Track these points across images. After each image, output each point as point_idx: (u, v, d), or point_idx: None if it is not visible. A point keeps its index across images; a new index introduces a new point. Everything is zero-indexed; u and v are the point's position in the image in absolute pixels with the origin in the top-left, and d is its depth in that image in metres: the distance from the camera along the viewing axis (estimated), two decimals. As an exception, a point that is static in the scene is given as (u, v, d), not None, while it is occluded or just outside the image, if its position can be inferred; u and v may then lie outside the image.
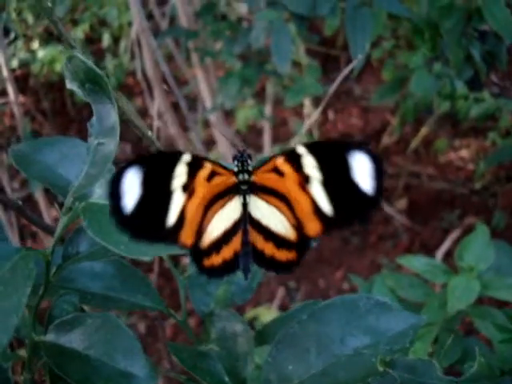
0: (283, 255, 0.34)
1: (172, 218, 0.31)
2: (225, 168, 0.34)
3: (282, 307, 1.50)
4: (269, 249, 0.34)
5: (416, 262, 0.83)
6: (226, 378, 0.36)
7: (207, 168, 0.33)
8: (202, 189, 0.32)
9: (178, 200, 0.32)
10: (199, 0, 1.36)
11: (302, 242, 0.34)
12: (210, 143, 1.66)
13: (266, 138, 1.56)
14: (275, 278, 1.60)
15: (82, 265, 0.38)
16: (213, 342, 0.39)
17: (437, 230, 1.70)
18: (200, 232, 0.33)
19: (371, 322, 0.33)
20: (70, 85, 0.30)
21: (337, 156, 0.31)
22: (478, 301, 0.81)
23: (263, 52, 1.10)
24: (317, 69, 1.15)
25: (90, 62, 0.29)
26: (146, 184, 0.30)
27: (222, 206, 0.34)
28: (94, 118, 0.31)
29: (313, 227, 0.33)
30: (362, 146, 0.31)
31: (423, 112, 1.69)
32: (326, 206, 0.32)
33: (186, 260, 1.32)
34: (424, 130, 1.81)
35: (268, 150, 1.54)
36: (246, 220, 0.34)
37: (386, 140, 1.90)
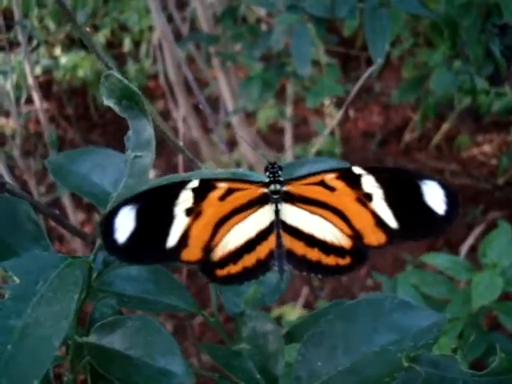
0: (332, 260, 0.37)
1: (173, 240, 0.35)
2: (249, 182, 0.37)
3: (307, 306, 1.51)
4: (313, 254, 0.37)
5: (439, 260, 0.84)
6: (258, 376, 0.38)
7: (221, 188, 0.36)
8: (212, 208, 0.36)
9: (180, 223, 0.35)
10: (219, 3, 1.38)
11: (358, 250, 0.37)
12: (232, 144, 1.68)
13: (288, 137, 1.57)
14: (299, 277, 1.61)
15: (118, 269, 0.40)
16: (244, 340, 0.41)
17: (460, 225, 1.69)
18: (208, 248, 0.36)
19: (396, 319, 0.35)
20: (107, 101, 0.32)
21: (402, 180, 0.36)
22: (503, 296, 0.81)
23: (283, 53, 1.11)
24: (336, 70, 1.17)
25: (126, 80, 0.31)
26: (141, 217, 0.34)
27: (243, 218, 0.37)
28: (130, 132, 0.33)
29: (376, 238, 0.37)
30: (433, 177, 0.36)
31: (444, 108, 1.69)
32: (391, 221, 0.36)
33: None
34: (446, 126, 1.81)
35: (290, 149, 1.56)
36: (279, 225, 0.37)
37: (408, 136, 1.90)
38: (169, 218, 0.35)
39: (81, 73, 1.98)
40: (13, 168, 1.60)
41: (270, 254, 0.37)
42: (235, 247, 0.37)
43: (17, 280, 0.28)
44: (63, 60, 2.00)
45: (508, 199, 1.73)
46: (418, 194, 0.35)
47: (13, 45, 1.55)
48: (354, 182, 0.36)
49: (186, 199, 0.35)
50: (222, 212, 0.36)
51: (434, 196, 0.35)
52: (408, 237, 0.37)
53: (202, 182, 0.35)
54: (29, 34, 1.35)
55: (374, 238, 0.36)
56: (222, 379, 0.40)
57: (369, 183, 0.36)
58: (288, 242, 0.37)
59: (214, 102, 1.64)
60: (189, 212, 0.35)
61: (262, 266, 0.38)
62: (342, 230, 0.37)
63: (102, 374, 0.37)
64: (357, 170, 0.36)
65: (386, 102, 2.00)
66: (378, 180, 0.36)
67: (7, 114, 1.67)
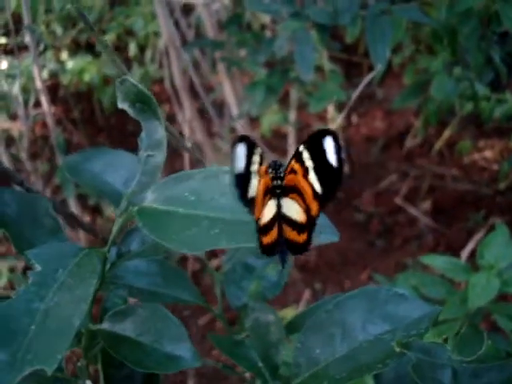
0: (300, 238, 0.40)
1: (252, 192, 0.37)
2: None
3: (309, 308, 1.53)
4: (293, 236, 0.40)
5: (438, 261, 0.86)
6: (260, 363, 0.41)
7: (265, 165, 0.39)
8: (263, 179, 0.38)
9: (254, 180, 0.37)
10: (224, 10, 1.40)
11: (310, 224, 0.39)
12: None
13: (291, 142, 1.59)
14: (302, 280, 1.63)
15: (129, 263, 0.43)
16: (247, 331, 0.43)
17: (462, 230, 1.71)
18: (261, 212, 0.38)
19: (390, 310, 0.38)
20: (122, 104, 0.35)
21: (316, 144, 0.37)
22: (503, 298, 0.83)
23: (287, 59, 1.13)
24: (339, 76, 1.19)
25: (140, 85, 0.33)
26: (246, 158, 0.36)
27: (268, 200, 0.39)
28: (142, 133, 0.36)
29: (314, 208, 0.39)
30: (327, 130, 0.36)
31: (446, 114, 1.71)
32: (318, 188, 0.38)
33: (216, 262, 1.36)
34: (448, 132, 1.83)
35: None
36: (280, 220, 0.40)
37: (410, 142, 1.92)
38: (250, 172, 0.37)
39: (87, 77, 2.01)
40: (20, 170, 1.63)
41: (275, 241, 0.39)
42: (265, 222, 0.39)
43: (38, 267, 0.31)
44: (70, 64, 2.03)
45: (509, 204, 1.75)
46: (323, 152, 0.36)
47: (20, 49, 1.57)
48: (301, 160, 0.38)
49: (255, 161, 0.37)
50: (264, 187, 0.38)
51: (331, 150, 0.36)
52: (326, 198, 0.38)
53: (262, 153, 0.38)
54: (36, 39, 1.37)
55: (314, 208, 0.38)
56: (225, 368, 0.43)
57: (306, 157, 0.38)
58: (285, 231, 0.40)
59: (219, 107, 1.66)
60: (256, 174, 0.37)
61: (274, 247, 0.40)
62: (302, 208, 0.39)
63: (112, 362, 0.40)
64: (301, 147, 0.38)
65: (389, 108, 2.01)
66: (309, 151, 0.37)
67: (14, 117, 1.70)
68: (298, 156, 0.38)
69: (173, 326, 0.37)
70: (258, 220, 0.38)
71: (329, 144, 0.36)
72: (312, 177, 0.38)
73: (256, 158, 0.37)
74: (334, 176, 0.37)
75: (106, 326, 0.38)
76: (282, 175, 0.40)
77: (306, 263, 1.69)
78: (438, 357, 0.32)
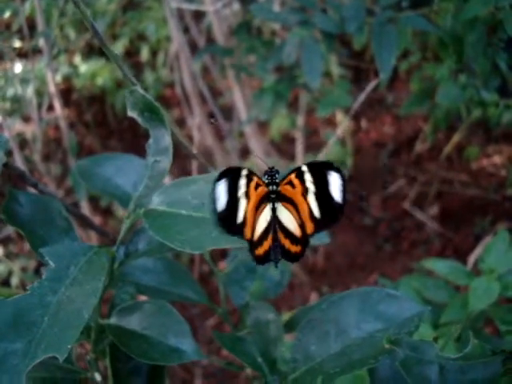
0: (294, 249, 0.43)
1: (239, 218, 0.41)
2: (262, 181, 0.43)
3: (316, 311, 1.54)
4: (287, 244, 0.43)
5: (441, 265, 0.88)
6: (260, 359, 0.43)
7: (255, 180, 0.42)
8: (252, 196, 0.41)
9: (242, 204, 0.41)
10: (234, 16, 1.42)
11: (304, 239, 0.42)
12: (245, 152, 1.72)
13: (299, 147, 1.61)
14: (309, 283, 1.65)
15: (137, 261, 0.45)
16: (248, 328, 0.45)
17: (469, 235, 1.71)
18: (253, 229, 0.42)
19: (382, 309, 0.40)
20: (131, 113, 0.37)
21: (322, 173, 0.40)
22: (506, 301, 0.84)
23: (295, 65, 1.15)
24: (346, 82, 1.20)
25: (149, 95, 0.36)
26: (228, 192, 0.40)
27: (263, 209, 0.43)
28: (150, 140, 0.38)
29: (310, 227, 0.42)
30: (333, 166, 0.40)
31: (455, 119, 1.72)
32: (316, 212, 0.41)
33: (224, 264, 1.38)
34: (456, 137, 1.83)
35: (301, 158, 1.59)
36: (275, 222, 0.43)
37: (419, 147, 1.93)
38: (237, 198, 0.40)
39: (100, 81, 2.04)
40: (32, 172, 1.65)
41: (269, 248, 0.43)
42: (260, 233, 0.42)
43: (52, 264, 0.33)
44: (83, 68, 2.06)
45: (517, 210, 1.75)
46: (326, 184, 0.40)
47: (34, 52, 1.59)
48: (302, 178, 0.41)
49: (242, 184, 0.41)
50: (256, 200, 0.42)
51: (335, 185, 0.40)
52: (324, 225, 0.41)
53: (248, 171, 0.41)
54: (50, 43, 1.39)
55: (309, 227, 0.42)
56: (228, 365, 0.45)
57: (308, 179, 0.41)
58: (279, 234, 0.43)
59: (228, 111, 1.68)
60: (245, 195, 0.41)
61: (268, 255, 0.43)
62: (297, 222, 0.42)
63: (119, 357, 0.42)
64: (304, 167, 0.41)
65: (398, 113, 2.02)
66: (312, 175, 0.41)
67: (27, 120, 1.72)
68: (299, 174, 0.41)
69: (177, 321, 0.39)
70: (251, 238, 0.41)
71: (334, 180, 0.39)
72: (311, 199, 0.41)
73: (242, 182, 0.40)
74: (334, 209, 0.40)
75: (113, 320, 0.41)
76: (277, 181, 0.43)
77: (314, 266, 1.70)
78: (426, 353, 0.34)
